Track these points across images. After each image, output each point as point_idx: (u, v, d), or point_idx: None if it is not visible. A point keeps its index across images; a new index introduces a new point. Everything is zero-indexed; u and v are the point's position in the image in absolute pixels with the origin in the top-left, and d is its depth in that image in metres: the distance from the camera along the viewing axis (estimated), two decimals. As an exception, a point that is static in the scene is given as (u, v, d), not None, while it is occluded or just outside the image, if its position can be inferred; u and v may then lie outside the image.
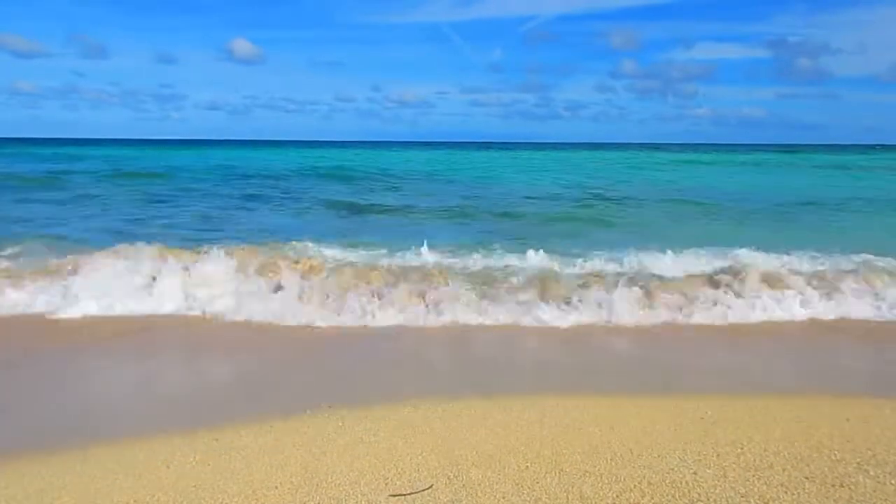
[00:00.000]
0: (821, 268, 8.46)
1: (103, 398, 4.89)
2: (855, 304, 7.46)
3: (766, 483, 3.41)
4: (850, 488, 3.36)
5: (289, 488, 3.38)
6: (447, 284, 7.55)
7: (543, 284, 7.58)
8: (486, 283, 7.68)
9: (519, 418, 4.32)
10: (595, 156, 61.82)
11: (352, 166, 36.22)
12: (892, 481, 3.44)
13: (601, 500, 3.25)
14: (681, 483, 3.41)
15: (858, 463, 3.65)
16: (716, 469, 3.57)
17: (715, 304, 7.39)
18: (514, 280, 7.74)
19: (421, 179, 28.28)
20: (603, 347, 6.39)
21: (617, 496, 3.29)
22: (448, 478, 3.48)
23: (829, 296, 7.58)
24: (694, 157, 56.89)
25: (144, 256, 7.88)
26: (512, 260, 8.77)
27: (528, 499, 3.26)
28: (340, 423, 4.25)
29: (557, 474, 3.51)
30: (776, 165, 45.08)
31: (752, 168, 41.54)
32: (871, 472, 3.53)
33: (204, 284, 7.38)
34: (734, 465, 3.61)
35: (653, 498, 3.27)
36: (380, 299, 7.21)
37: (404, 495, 3.30)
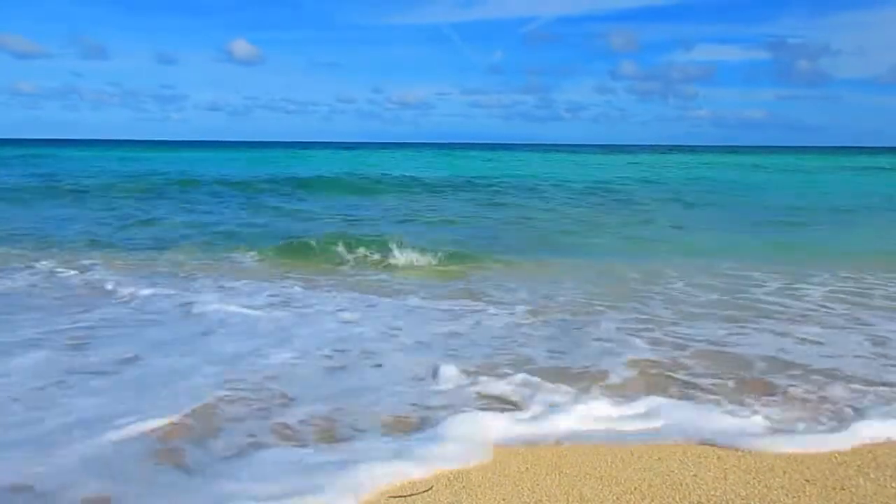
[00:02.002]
0: None
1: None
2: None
3: (766, 486, 3.40)
4: (850, 491, 3.36)
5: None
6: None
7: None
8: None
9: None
10: (599, 160, 59.35)
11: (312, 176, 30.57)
12: (893, 484, 3.43)
13: (601, 502, 3.25)
14: (681, 485, 3.40)
15: (859, 466, 3.64)
16: (716, 471, 3.56)
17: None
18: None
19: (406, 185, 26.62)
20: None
21: (617, 498, 3.28)
22: (448, 479, 3.47)
23: None
24: (734, 161, 53.88)
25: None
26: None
27: (529, 501, 3.26)
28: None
29: (557, 476, 3.51)
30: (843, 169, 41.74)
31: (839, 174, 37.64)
32: (872, 475, 3.53)
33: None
34: (735, 468, 3.60)
35: (653, 500, 3.26)
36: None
37: (404, 496, 3.29)
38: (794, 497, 3.29)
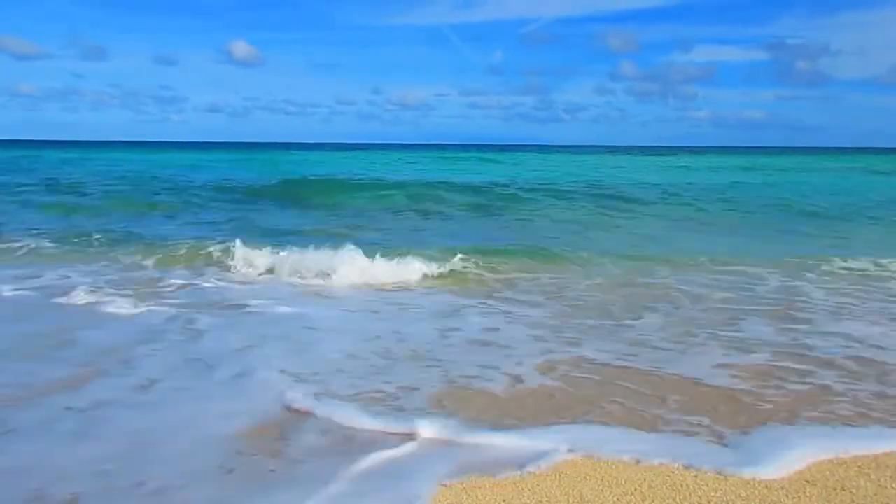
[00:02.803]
0: None
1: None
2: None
3: (766, 487, 3.40)
4: (851, 492, 3.36)
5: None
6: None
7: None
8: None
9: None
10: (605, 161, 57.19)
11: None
12: (893, 485, 3.43)
13: (602, 504, 3.24)
14: (682, 486, 3.40)
15: (859, 467, 3.63)
16: (717, 472, 3.55)
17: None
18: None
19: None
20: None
21: (618, 499, 3.28)
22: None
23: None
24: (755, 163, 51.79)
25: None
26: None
27: (529, 502, 3.25)
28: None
29: (558, 477, 3.50)
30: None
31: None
32: (873, 476, 3.52)
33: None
34: (735, 469, 3.60)
35: (654, 501, 3.25)
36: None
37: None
38: (794, 498, 3.29)
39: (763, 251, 11.14)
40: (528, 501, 3.25)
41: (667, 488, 3.37)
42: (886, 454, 3.77)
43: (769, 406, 4.48)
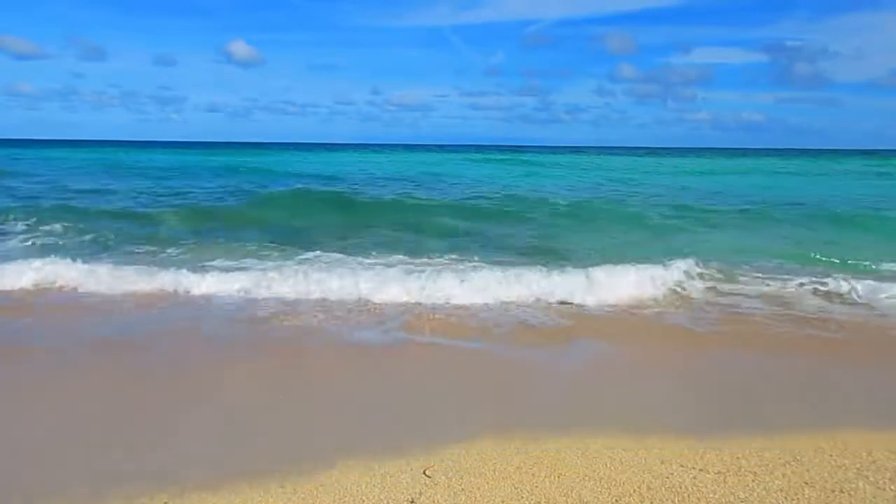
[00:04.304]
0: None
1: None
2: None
3: (765, 489, 3.40)
4: (849, 494, 3.36)
5: None
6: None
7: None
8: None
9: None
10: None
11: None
12: (892, 487, 3.43)
13: (601, 505, 3.24)
14: (680, 488, 3.40)
15: (858, 469, 3.64)
16: (716, 474, 3.55)
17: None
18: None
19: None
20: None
21: (616, 500, 3.27)
22: (445, 483, 3.46)
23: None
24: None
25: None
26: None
27: (528, 503, 3.25)
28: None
29: (557, 478, 3.50)
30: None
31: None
32: (871, 478, 3.52)
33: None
34: (734, 470, 3.60)
35: (652, 503, 3.25)
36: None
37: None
38: (793, 499, 3.29)
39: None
40: (527, 502, 3.25)
41: (665, 490, 3.37)
42: (886, 455, 3.77)
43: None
